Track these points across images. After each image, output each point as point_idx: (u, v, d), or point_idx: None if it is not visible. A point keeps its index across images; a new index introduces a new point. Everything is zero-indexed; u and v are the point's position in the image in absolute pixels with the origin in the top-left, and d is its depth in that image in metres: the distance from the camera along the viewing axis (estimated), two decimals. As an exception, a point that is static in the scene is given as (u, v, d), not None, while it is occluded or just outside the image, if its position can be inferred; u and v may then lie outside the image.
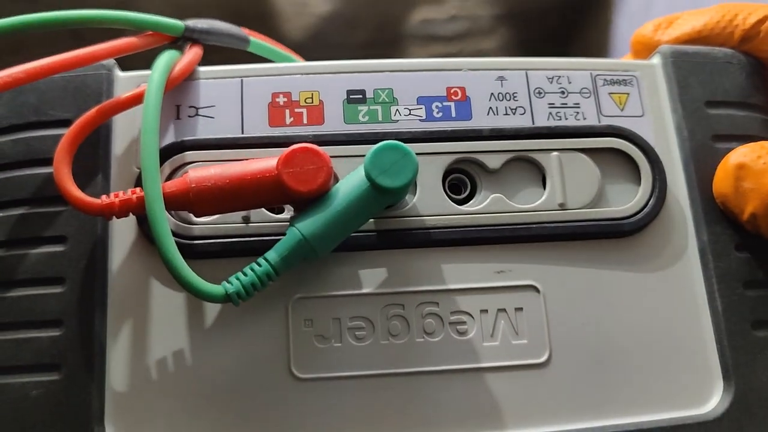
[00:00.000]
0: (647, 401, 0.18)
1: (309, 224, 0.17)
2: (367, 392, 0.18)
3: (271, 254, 0.17)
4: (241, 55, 0.23)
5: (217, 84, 0.20)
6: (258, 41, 0.24)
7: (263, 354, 0.18)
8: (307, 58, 0.21)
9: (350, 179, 0.18)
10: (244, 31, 0.23)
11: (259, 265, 0.17)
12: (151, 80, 0.19)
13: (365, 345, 0.18)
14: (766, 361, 0.19)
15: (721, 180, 0.20)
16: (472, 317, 0.19)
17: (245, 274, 0.17)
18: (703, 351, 0.19)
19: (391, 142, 0.17)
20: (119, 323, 0.18)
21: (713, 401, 0.18)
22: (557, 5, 0.48)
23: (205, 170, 0.17)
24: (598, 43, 0.49)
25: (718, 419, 0.18)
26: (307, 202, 0.17)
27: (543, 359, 0.18)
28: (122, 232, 0.19)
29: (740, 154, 0.20)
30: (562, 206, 0.20)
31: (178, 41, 0.21)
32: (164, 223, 0.17)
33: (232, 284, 0.17)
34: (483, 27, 0.47)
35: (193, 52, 0.21)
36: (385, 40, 0.45)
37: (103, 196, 0.17)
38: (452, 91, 0.21)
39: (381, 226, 0.19)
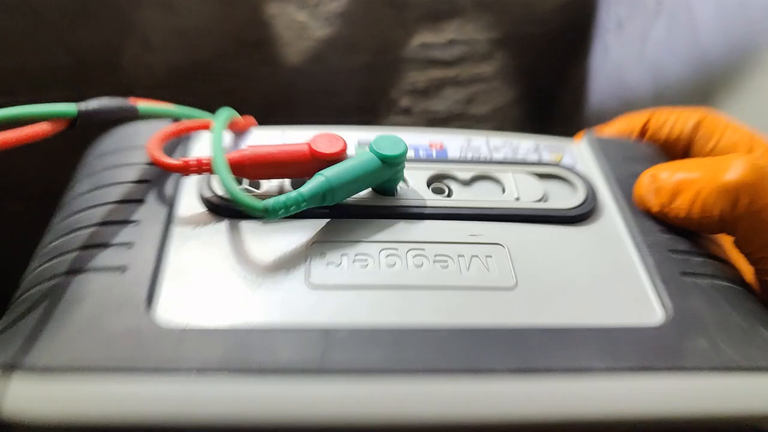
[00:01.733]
0: (601, 317, 0.22)
1: (331, 171, 0.24)
2: (369, 298, 0.22)
3: (302, 188, 0.23)
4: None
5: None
6: (145, 105, 0.27)
7: (285, 269, 0.22)
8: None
9: (360, 155, 0.25)
10: (129, 102, 0.26)
11: (293, 194, 0.23)
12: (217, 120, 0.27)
13: (367, 269, 0.23)
14: (698, 297, 0.23)
15: (639, 186, 0.26)
16: (452, 259, 0.23)
17: (281, 198, 0.23)
18: (641, 289, 0.23)
19: (386, 134, 0.25)
20: (178, 246, 0.23)
21: (657, 316, 0.22)
22: (553, 31, 0.50)
23: (256, 147, 0.25)
24: (594, 70, 0.50)
25: (663, 325, 0.21)
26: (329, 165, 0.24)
27: (510, 285, 0.23)
28: (187, 195, 0.25)
29: (651, 169, 0.27)
30: (518, 200, 0.26)
31: (76, 122, 0.24)
32: (223, 159, 0.23)
33: (270, 202, 0.22)
34: (480, 51, 0.48)
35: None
36: (385, 63, 0.44)
37: (182, 158, 0.24)
38: (433, 144, 0.29)
39: (378, 202, 0.25)
